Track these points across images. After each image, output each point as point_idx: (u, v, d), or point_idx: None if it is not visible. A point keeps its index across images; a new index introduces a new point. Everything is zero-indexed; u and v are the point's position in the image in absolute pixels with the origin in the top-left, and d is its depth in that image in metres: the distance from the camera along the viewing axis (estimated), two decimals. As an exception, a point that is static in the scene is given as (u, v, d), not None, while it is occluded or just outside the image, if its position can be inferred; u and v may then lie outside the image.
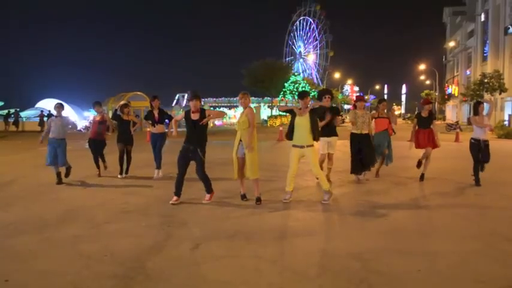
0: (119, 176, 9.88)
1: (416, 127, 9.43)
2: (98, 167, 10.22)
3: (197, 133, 7.24)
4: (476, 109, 8.75)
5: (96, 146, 10.14)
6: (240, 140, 7.23)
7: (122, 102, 10.45)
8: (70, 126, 9.75)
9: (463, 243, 5.19)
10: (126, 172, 10.09)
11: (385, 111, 9.90)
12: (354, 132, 9.08)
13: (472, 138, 8.85)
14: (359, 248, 4.98)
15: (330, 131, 8.74)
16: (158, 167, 9.94)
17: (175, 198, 7.28)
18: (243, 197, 7.49)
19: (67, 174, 9.41)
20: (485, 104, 9.08)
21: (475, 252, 4.86)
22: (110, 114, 11.69)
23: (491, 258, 4.69)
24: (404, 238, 5.41)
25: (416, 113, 10.17)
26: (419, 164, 9.49)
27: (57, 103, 9.63)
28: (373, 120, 9.59)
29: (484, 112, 8.79)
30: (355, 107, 9.37)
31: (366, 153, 8.94)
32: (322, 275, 4.22)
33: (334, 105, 8.89)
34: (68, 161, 9.35)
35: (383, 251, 4.89)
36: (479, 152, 8.66)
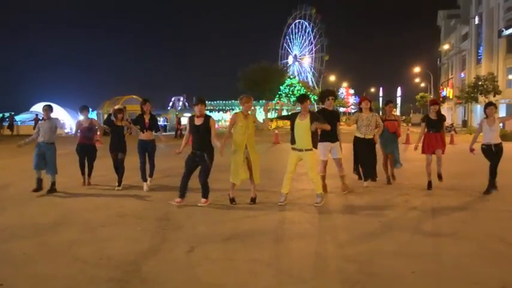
0: (117, 188, 8.95)
1: (425, 130, 8.76)
2: (83, 173, 9.47)
3: (201, 138, 7.22)
4: (485, 111, 8.18)
5: (87, 151, 9.31)
6: (246, 144, 7.24)
7: (117, 107, 9.77)
8: (60, 128, 8.63)
9: (457, 245, 5.22)
10: (119, 184, 9.08)
11: (392, 113, 9.41)
12: (357, 136, 8.65)
13: (482, 144, 8.21)
14: (353, 250, 5.01)
15: (330, 136, 7.99)
16: (150, 174, 9.22)
17: (178, 199, 7.28)
18: (232, 200, 7.47)
19: (51, 191, 8.52)
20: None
21: (469, 254, 4.89)
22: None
23: (485, 259, 4.72)
24: (398, 240, 5.44)
25: (424, 115, 9.39)
26: (429, 185, 8.69)
27: (45, 105, 8.93)
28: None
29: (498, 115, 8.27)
30: (360, 109, 8.73)
31: (366, 162, 8.51)
32: (317, 278, 4.24)
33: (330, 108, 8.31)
34: (57, 170, 8.65)
35: (377, 253, 4.92)
36: (493, 156, 8.05)
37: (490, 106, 8.17)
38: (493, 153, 8.04)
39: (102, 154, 10.00)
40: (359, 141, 8.65)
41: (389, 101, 10.04)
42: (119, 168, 9.10)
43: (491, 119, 8.11)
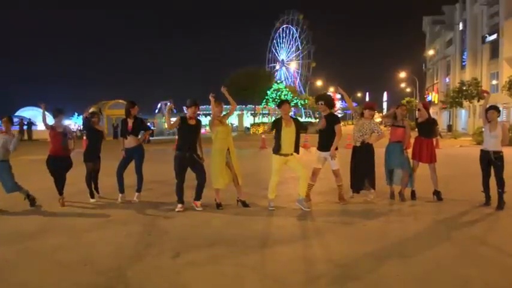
0: (92, 200, 8.15)
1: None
2: (61, 192, 7.98)
3: (193, 139, 7.29)
4: (485, 116, 7.50)
5: (61, 164, 7.86)
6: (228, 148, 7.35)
7: (91, 110, 8.68)
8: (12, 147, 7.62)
9: (440, 248, 5.28)
10: (97, 191, 8.50)
11: (403, 118, 8.17)
12: (353, 144, 8.00)
13: (481, 150, 7.69)
14: (339, 255, 5.03)
15: (323, 144, 7.64)
16: (138, 189, 8.16)
17: (179, 205, 7.27)
18: (219, 205, 7.47)
19: (32, 204, 7.82)
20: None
21: (452, 257, 4.95)
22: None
23: (468, 262, 4.78)
24: (383, 244, 5.48)
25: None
26: (413, 195, 8.19)
27: (6, 116, 7.83)
28: (389, 128, 8.31)
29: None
30: (362, 113, 8.00)
31: (356, 170, 7.88)
32: (302, 282, 4.25)
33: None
34: (20, 186, 7.84)
35: (362, 257, 4.95)
36: (490, 165, 7.43)
37: (490, 110, 7.46)
38: (488, 162, 7.44)
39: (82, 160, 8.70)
40: (353, 149, 8.04)
41: (401, 104, 8.80)
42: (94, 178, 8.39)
43: (493, 123, 7.43)
